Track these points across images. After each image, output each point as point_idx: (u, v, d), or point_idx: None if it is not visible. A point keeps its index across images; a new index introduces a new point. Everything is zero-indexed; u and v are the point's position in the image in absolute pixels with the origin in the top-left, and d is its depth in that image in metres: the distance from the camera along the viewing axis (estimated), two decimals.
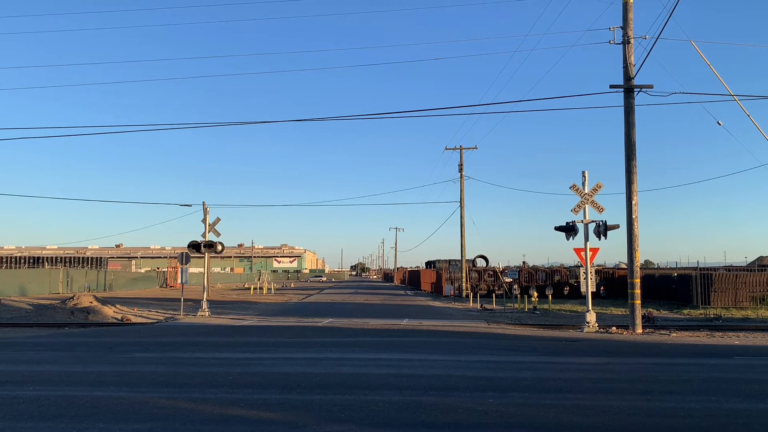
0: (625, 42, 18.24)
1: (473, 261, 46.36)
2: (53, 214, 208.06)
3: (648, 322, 19.92)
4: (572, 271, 40.64)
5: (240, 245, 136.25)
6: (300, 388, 8.39)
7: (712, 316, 23.52)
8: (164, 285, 61.45)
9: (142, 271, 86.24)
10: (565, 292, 37.97)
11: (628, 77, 18.25)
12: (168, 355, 12.31)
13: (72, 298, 25.56)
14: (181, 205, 43.51)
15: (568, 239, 18.76)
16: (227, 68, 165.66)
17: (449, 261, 50.31)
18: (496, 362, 11.58)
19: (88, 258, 65.18)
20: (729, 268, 38.51)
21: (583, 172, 18.42)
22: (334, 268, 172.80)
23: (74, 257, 65.91)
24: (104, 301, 26.28)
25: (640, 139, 20.69)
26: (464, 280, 40.26)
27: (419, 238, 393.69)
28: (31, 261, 62.05)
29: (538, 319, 22.97)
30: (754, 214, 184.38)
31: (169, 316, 24.34)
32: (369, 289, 59.98)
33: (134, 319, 22.63)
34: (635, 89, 18.23)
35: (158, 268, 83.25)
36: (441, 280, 44.31)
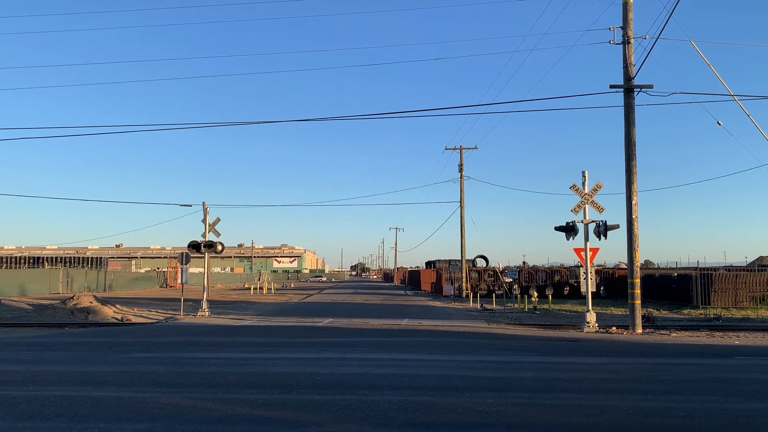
0: (625, 42, 18.24)
1: (473, 261, 46.35)
2: (53, 214, 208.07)
3: (648, 322, 19.92)
4: (572, 271, 40.63)
5: (240, 245, 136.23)
6: (300, 388, 8.38)
7: (712, 316, 23.51)
8: (164, 285, 61.43)
9: (142, 271, 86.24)
10: (565, 292, 37.97)
11: (628, 77, 18.24)
12: (168, 355, 12.31)
13: (72, 298, 25.55)
14: (181, 205, 43.37)
15: (568, 239, 18.76)
16: (227, 68, 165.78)
17: (449, 261, 50.27)
18: (496, 362, 11.57)
19: (88, 258, 65.14)
20: (729, 268, 38.50)
21: (583, 172, 18.43)
22: (334, 268, 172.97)
23: (74, 257, 65.87)
24: (104, 301, 26.27)
25: (640, 139, 20.70)
26: (464, 280, 40.25)
27: (419, 239, 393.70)
28: (31, 261, 62.02)
29: (538, 319, 22.97)
30: (754, 214, 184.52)
31: (169, 316, 24.34)
32: (369, 289, 59.98)
33: (134, 319, 22.63)
34: (635, 89, 18.23)
35: (158, 268, 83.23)
36: (441, 280, 44.30)
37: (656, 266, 70.47)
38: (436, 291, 47.68)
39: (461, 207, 42.56)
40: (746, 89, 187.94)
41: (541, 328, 19.38)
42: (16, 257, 64.30)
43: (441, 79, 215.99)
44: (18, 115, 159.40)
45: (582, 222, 18.43)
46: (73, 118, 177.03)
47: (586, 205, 18.27)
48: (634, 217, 17.98)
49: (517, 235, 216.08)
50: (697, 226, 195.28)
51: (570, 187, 18.50)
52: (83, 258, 65.00)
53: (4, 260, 60.56)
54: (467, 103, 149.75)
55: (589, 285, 18.48)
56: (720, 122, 19.97)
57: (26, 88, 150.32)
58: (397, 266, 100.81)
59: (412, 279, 67.86)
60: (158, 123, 30.07)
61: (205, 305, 24.48)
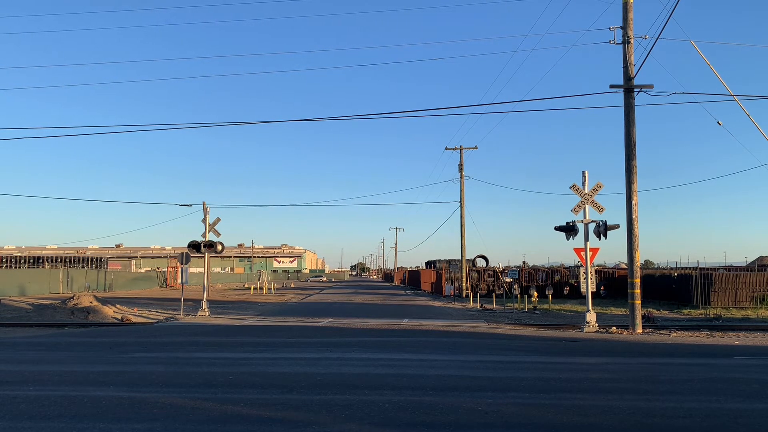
0: (625, 42, 18.24)
1: (473, 261, 46.34)
2: (53, 214, 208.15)
3: (648, 322, 19.92)
4: (572, 271, 40.62)
5: (240, 245, 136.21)
6: (300, 388, 8.38)
7: (712, 316, 23.51)
8: (164, 285, 61.42)
9: (142, 271, 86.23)
10: (565, 292, 37.97)
11: (628, 77, 18.24)
12: (168, 355, 12.31)
13: (72, 298, 25.55)
14: (181, 205, 43.54)
15: (568, 239, 18.76)
16: (227, 68, 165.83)
17: (449, 261, 50.29)
18: (496, 362, 11.57)
19: (88, 258, 65.15)
20: (729, 268, 38.49)
21: (583, 172, 18.43)
22: (334, 268, 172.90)
23: (74, 257, 65.88)
24: (104, 301, 26.27)
25: (640, 139, 20.71)
26: (464, 280, 40.25)
27: (419, 238, 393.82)
28: (31, 261, 62.02)
29: (538, 319, 22.97)
30: (754, 214, 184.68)
31: (169, 315, 24.34)
32: (369, 289, 59.97)
33: (134, 319, 22.63)
34: (635, 89, 18.23)
35: (158, 268, 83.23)
36: (441, 280, 44.29)
37: (656, 266, 70.39)
38: (436, 291, 47.67)
39: (461, 207, 42.59)
40: (746, 89, 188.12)
41: (541, 328, 19.38)
42: (16, 257, 64.30)
43: (441, 79, 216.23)
44: (17, 114, 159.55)
45: (582, 222, 18.43)
46: (72, 118, 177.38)
47: (586, 205, 18.27)
48: (634, 217, 17.97)
49: (517, 235, 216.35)
50: (697, 226, 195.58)
51: (570, 187, 18.50)
52: (83, 258, 65.01)
53: (4, 260, 60.55)
54: (467, 103, 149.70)
55: (589, 285, 18.48)
56: (720, 122, 19.98)
57: (25, 88, 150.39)
58: (397, 266, 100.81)
59: (412, 279, 67.84)
60: (158, 123, 30.15)
61: (205, 305, 24.48)
